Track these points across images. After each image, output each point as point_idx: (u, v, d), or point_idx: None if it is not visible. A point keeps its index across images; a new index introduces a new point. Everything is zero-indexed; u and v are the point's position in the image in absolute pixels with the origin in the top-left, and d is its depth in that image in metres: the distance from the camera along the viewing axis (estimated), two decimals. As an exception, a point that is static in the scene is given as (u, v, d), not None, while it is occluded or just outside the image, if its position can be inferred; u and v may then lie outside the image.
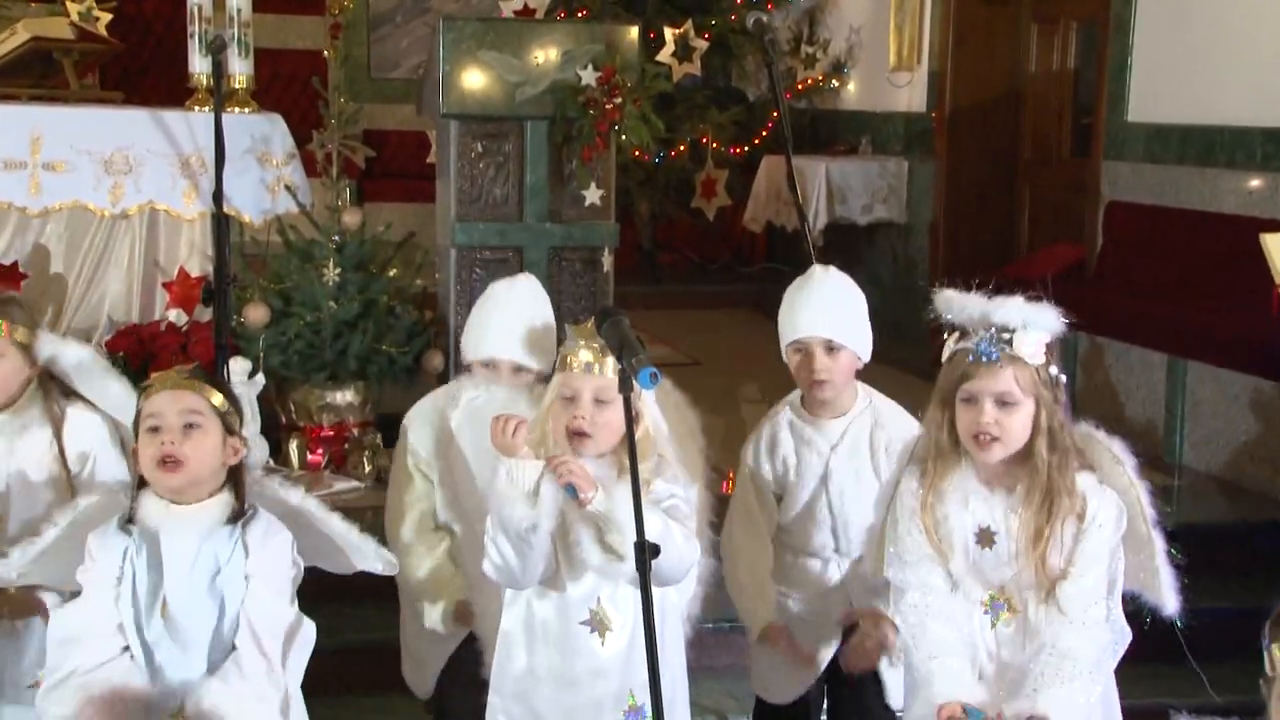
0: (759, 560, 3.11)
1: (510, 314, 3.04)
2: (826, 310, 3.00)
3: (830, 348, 2.98)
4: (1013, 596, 2.59)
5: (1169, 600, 2.65)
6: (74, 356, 2.95)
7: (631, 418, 2.34)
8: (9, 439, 2.90)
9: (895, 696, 3.09)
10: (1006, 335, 2.49)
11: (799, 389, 3.10)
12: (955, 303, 2.56)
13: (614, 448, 2.59)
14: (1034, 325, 2.50)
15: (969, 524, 2.59)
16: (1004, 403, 2.49)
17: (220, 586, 2.50)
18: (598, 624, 2.60)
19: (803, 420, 3.09)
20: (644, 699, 2.56)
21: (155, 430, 2.48)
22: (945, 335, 2.60)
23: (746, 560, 3.10)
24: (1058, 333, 2.53)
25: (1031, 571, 2.54)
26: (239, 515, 2.53)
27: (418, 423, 3.12)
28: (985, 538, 2.57)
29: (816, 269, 3.13)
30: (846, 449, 3.05)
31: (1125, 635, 2.66)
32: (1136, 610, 2.69)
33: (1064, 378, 2.57)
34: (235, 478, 2.56)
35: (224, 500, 2.53)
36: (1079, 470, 2.57)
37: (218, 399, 2.53)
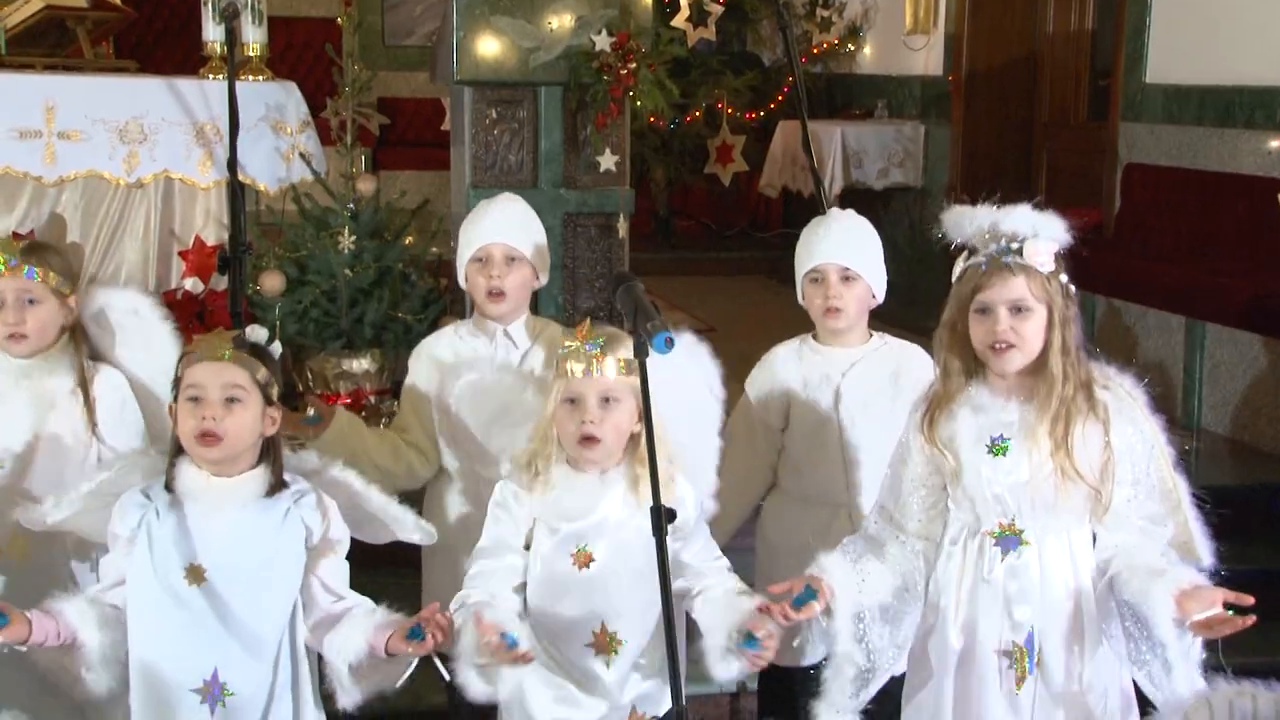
0: (751, 481, 3.12)
1: (495, 209, 3.18)
2: (844, 241, 3.07)
3: (846, 276, 3.03)
4: (1025, 529, 2.55)
5: (1204, 554, 2.62)
6: (129, 304, 3.02)
7: (647, 383, 2.33)
8: (37, 383, 2.93)
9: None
10: (1016, 244, 2.49)
11: (810, 334, 3.15)
12: (964, 217, 2.56)
13: (622, 455, 2.57)
14: (1043, 233, 2.51)
15: (981, 434, 2.55)
16: (1018, 309, 2.48)
17: (273, 561, 2.52)
18: (602, 647, 2.60)
19: (811, 348, 3.11)
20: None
21: (196, 400, 2.48)
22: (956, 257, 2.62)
23: (740, 478, 3.08)
24: (1065, 241, 2.53)
25: (1053, 482, 2.50)
26: (276, 488, 2.54)
27: (430, 356, 3.22)
28: (997, 446, 2.54)
29: (833, 210, 3.23)
30: (857, 376, 3.07)
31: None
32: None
33: (1074, 287, 2.57)
34: (272, 447, 2.57)
35: (262, 474, 2.54)
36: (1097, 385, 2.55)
37: (261, 373, 2.53)
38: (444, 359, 3.19)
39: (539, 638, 2.59)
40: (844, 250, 3.05)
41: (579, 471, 2.59)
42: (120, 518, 2.52)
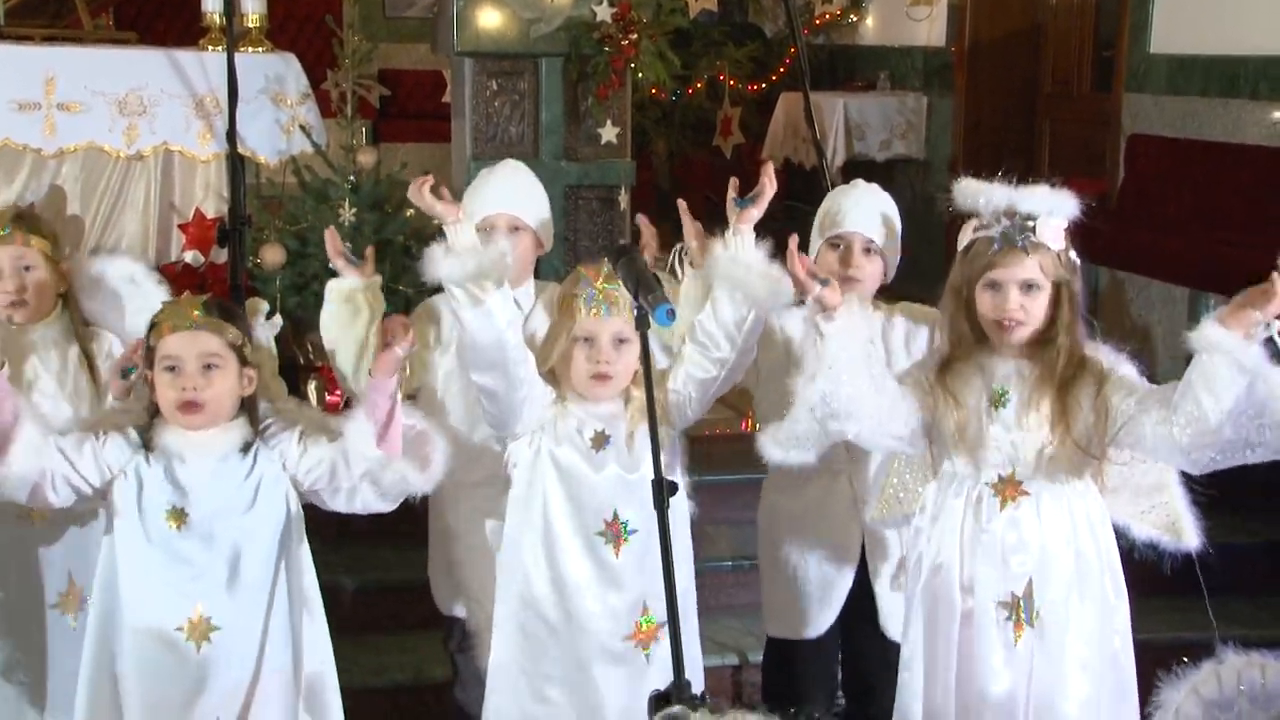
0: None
1: (497, 177, 3.18)
2: (873, 215, 3.06)
3: (868, 249, 3.03)
4: (1023, 480, 2.59)
5: (1190, 536, 2.65)
6: (125, 271, 3.03)
7: (649, 356, 2.33)
8: (40, 350, 2.95)
9: (888, 622, 3.10)
10: (1030, 223, 2.52)
11: None
12: (977, 191, 2.57)
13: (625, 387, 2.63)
14: (1057, 212, 2.54)
15: (983, 388, 2.60)
16: (1028, 288, 2.53)
17: (253, 502, 2.55)
18: (611, 536, 2.64)
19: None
20: (656, 610, 2.61)
21: (173, 370, 2.50)
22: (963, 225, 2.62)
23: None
24: (1074, 217, 2.56)
25: (1053, 446, 2.54)
26: (251, 444, 2.57)
27: (438, 309, 3.22)
28: (998, 397, 2.58)
29: (861, 182, 3.19)
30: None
31: None
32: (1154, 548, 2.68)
33: (1078, 261, 2.60)
34: (249, 404, 2.59)
35: (240, 426, 2.57)
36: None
37: (232, 334, 2.54)
38: (447, 318, 3.17)
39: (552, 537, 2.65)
40: (873, 223, 3.04)
41: (587, 401, 2.66)
42: (114, 450, 2.55)
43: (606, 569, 2.65)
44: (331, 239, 2.98)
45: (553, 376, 2.68)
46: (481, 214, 3.10)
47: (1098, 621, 2.62)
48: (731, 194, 2.69)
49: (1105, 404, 2.54)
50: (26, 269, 2.93)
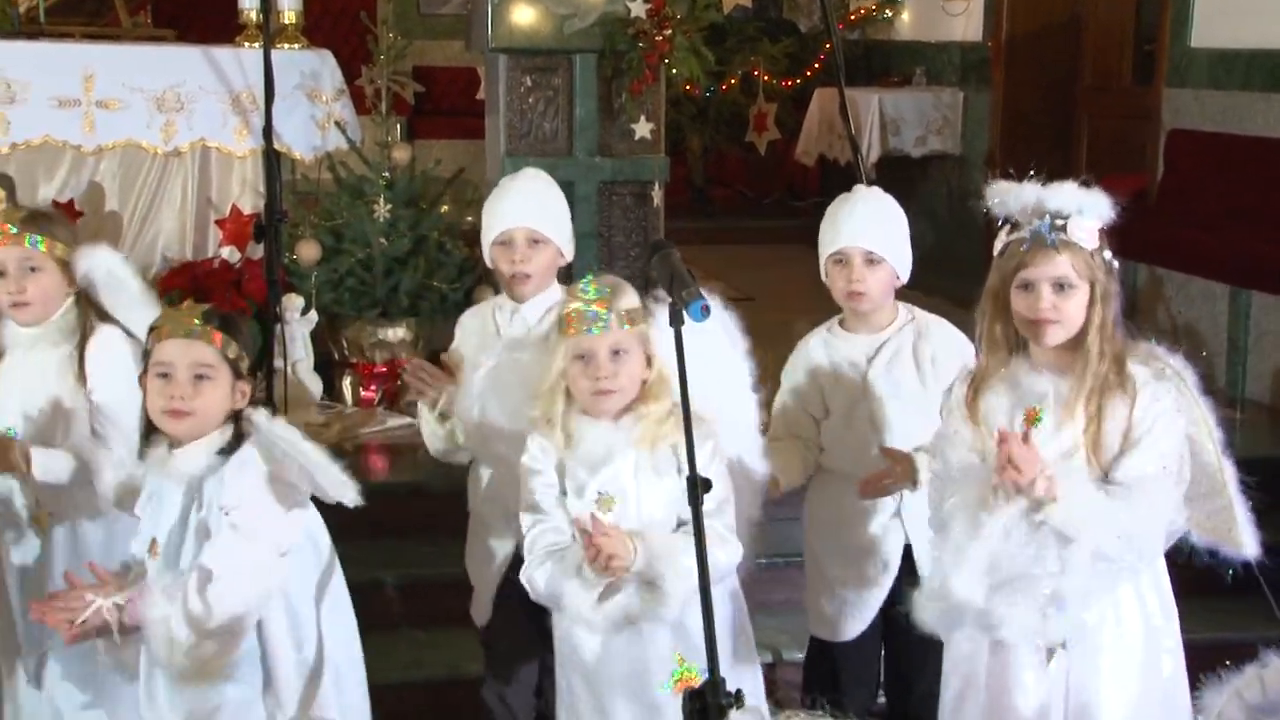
0: (796, 467, 3.09)
1: (515, 189, 3.14)
2: (868, 224, 3.03)
3: (870, 260, 3.01)
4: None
5: (1248, 544, 2.59)
6: (105, 264, 2.98)
7: (683, 353, 2.31)
8: (40, 354, 2.95)
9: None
10: (1061, 221, 2.49)
11: (838, 315, 3.13)
12: (1009, 192, 2.55)
13: (633, 400, 2.60)
14: (1088, 211, 2.50)
15: (1015, 408, 2.55)
16: (1061, 287, 2.49)
17: (205, 526, 2.51)
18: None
19: (838, 336, 3.10)
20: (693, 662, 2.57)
21: (165, 377, 2.50)
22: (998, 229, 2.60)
23: (785, 464, 3.06)
24: (1109, 218, 2.52)
25: (1083, 455, 2.49)
26: (229, 450, 2.53)
27: (463, 329, 3.21)
28: (1031, 416, 2.53)
29: (860, 187, 3.17)
30: (885, 361, 3.05)
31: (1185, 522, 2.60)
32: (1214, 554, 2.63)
33: (1116, 263, 2.56)
34: (238, 418, 2.56)
35: (213, 441, 2.52)
36: (1134, 361, 2.54)
37: (231, 348, 2.53)
38: (472, 333, 3.18)
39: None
40: (868, 233, 3.01)
41: (595, 420, 2.62)
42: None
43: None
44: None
45: (550, 413, 2.63)
46: (500, 227, 3.09)
47: (1142, 642, 2.57)
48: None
49: (1130, 429, 2.49)
50: (32, 270, 2.91)
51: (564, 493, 2.64)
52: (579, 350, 2.57)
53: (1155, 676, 2.60)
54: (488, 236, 3.13)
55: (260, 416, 2.57)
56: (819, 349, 3.14)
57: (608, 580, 2.48)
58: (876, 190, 3.14)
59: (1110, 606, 2.55)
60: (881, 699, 3.36)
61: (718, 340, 2.70)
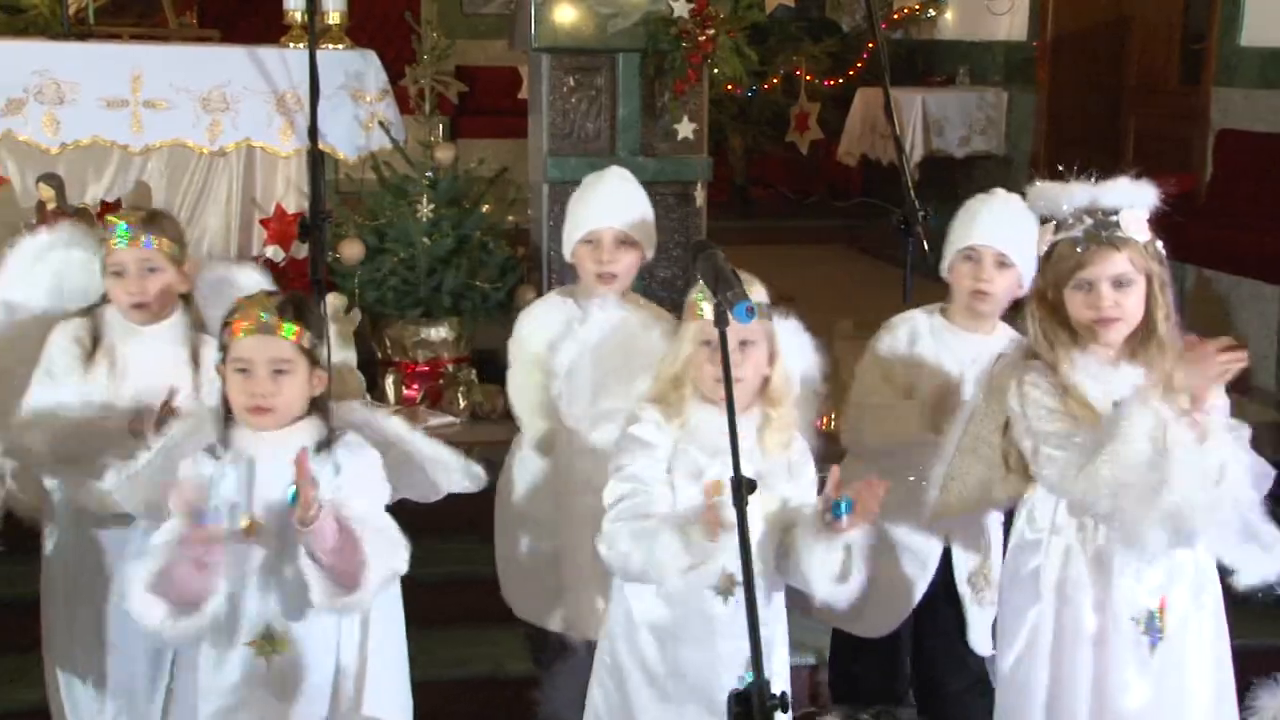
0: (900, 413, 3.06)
1: (604, 187, 3.15)
2: (1007, 226, 3.01)
3: (1001, 262, 2.99)
4: None
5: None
6: (252, 280, 3.07)
7: (728, 354, 2.31)
8: (160, 349, 2.98)
9: (977, 638, 3.05)
10: (1113, 218, 2.48)
11: (941, 304, 3.12)
12: (1054, 194, 2.54)
13: (755, 397, 2.58)
14: (1138, 203, 2.52)
15: (1105, 399, 2.54)
16: (1120, 284, 2.50)
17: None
18: (725, 587, 2.59)
19: (945, 328, 3.07)
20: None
21: (244, 373, 2.51)
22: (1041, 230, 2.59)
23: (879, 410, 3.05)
24: (1154, 206, 2.53)
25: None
26: (328, 443, 2.55)
27: (536, 320, 3.20)
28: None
29: (1000, 190, 3.14)
30: (983, 370, 3.01)
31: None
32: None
33: (1164, 250, 2.57)
34: (319, 403, 2.59)
35: (312, 424, 2.56)
36: None
37: (306, 339, 2.53)
38: (546, 326, 3.16)
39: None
40: (1006, 236, 2.99)
41: (718, 407, 2.57)
42: (195, 470, 2.54)
43: (713, 620, 2.60)
44: None
45: (669, 398, 2.61)
46: (587, 227, 3.09)
47: (1214, 627, 2.59)
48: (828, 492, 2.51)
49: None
50: (151, 270, 2.95)
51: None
52: (707, 336, 2.54)
53: (1226, 672, 2.61)
54: (573, 233, 3.13)
55: (364, 412, 2.64)
56: (924, 333, 3.10)
57: (709, 546, 2.44)
58: (1017, 196, 3.08)
59: (1195, 591, 2.56)
60: (913, 703, 3.34)
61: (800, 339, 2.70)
